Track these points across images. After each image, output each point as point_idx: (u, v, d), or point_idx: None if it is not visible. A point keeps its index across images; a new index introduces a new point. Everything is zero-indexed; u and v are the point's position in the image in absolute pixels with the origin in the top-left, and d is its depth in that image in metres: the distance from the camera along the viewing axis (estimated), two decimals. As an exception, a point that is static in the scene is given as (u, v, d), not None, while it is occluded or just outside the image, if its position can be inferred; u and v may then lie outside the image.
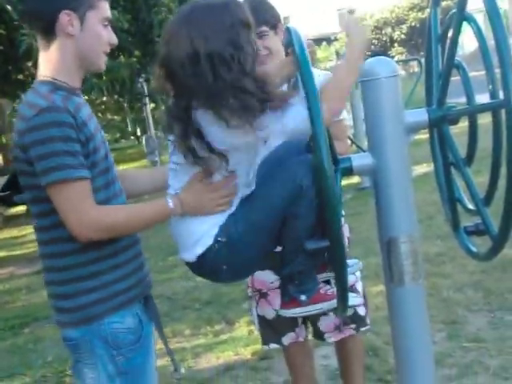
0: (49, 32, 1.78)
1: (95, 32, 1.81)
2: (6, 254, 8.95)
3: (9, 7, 5.45)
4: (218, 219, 1.76)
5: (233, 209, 1.77)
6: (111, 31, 1.87)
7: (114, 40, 1.88)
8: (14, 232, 10.81)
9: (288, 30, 1.62)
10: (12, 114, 15.24)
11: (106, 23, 1.85)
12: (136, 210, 1.85)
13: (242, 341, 4.06)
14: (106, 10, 1.85)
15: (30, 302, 6.04)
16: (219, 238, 1.74)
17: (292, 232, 1.75)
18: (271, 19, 2.39)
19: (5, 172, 14.20)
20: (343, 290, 1.66)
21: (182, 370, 3.54)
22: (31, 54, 5.29)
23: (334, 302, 1.84)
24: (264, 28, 2.35)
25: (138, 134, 20.14)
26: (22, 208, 11.37)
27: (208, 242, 1.74)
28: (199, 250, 1.76)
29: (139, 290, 1.90)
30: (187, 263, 1.82)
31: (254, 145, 1.72)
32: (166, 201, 1.77)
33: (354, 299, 2.55)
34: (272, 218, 1.74)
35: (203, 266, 1.79)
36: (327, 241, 1.65)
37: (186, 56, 1.61)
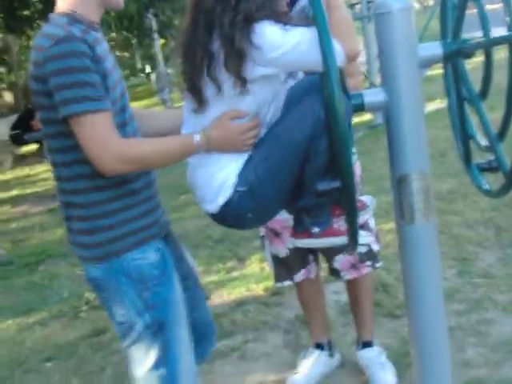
0: None
1: None
2: (18, 192, 9.03)
3: None
4: (235, 166, 1.74)
5: (249, 153, 1.76)
6: None
7: None
8: (25, 171, 10.88)
9: None
10: (20, 51, 15.13)
11: None
12: (162, 143, 1.81)
13: (253, 277, 4.12)
14: None
15: (43, 239, 6.12)
16: (240, 188, 1.72)
17: (310, 167, 1.72)
18: None
19: (15, 110, 14.21)
20: (354, 227, 1.66)
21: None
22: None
23: (345, 238, 1.84)
24: None
25: (148, 71, 19.91)
26: (32, 146, 11.41)
27: (228, 191, 1.73)
28: (220, 200, 1.75)
29: (157, 229, 1.91)
30: (210, 215, 1.82)
31: (276, 78, 1.70)
32: (192, 135, 1.75)
33: (366, 238, 2.57)
34: (293, 155, 1.70)
35: (227, 216, 1.79)
36: (338, 182, 1.65)
37: None
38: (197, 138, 1.74)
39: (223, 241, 4.89)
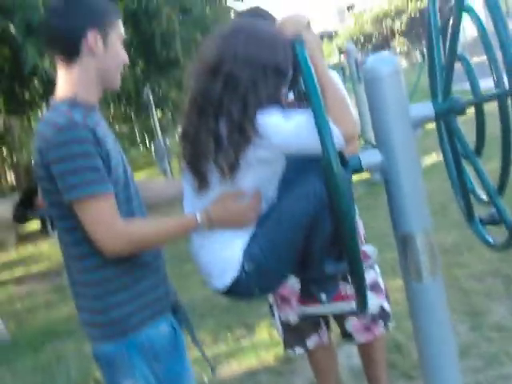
0: (73, 51, 1.79)
1: (116, 51, 1.84)
2: (22, 271, 8.98)
3: (12, 28, 5.49)
4: (240, 243, 1.76)
5: (253, 228, 1.77)
6: (124, 50, 1.90)
7: (127, 59, 1.90)
8: (29, 249, 10.86)
9: (293, 47, 1.61)
10: (22, 132, 15.37)
11: (122, 42, 1.87)
12: (163, 223, 1.84)
13: (263, 345, 4.06)
14: (122, 28, 1.88)
15: (49, 318, 6.06)
16: (246, 267, 1.74)
17: (315, 241, 1.76)
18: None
19: (18, 190, 14.31)
20: (362, 293, 1.66)
21: (205, 380, 3.53)
22: (36, 73, 5.32)
23: (353, 303, 1.84)
24: None
25: (147, 142, 20.19)
26: (36, 224, 11.41)
27: (235, 270, 1.75)
28: (227, 280, 1.76)
29: (167, 300, 1.92)
30: (217, 290, 1.83)
31: (277, 159, 1.74)
32: (195, 215, 1.77)
33: (376, 300, 2.55)
34: (297, 233, 1.74)
35: (235, 293, 1.81)
36: (345, 264, 1.67)
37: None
38: (199, 217, 1.76)
39: (230, 309, 4.84)
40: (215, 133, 1.67)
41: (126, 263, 1.80)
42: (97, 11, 1.81)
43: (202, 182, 1.75)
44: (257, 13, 2.41)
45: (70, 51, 1.80)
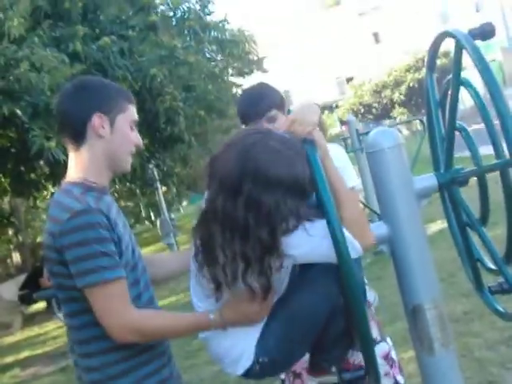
0: (80, 134, 1.82)
1: (124, 134, 1.86)
2: (28, 353, 8.84)
3: (19, 111, 5.63)
4: (252, 338, 1.75)
5: (265, 320, 1.77)
6: (137, 133, 1.92)
7: (140, 142, 1.92)
8: (34, 330, 10.72)
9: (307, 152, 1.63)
10: (27, 213, 15.49)
11: (134, 125, 1.90)
12: (176, 320, 1.83)
13: (275, 423, 3.95)
14: (133, 113, 1.90)
15: (56, 401, 5.93)
16: (260, 360, 1.74)
17: (328, 333, 1.80)
18: (278, 101, 2.46)
19: (23, 270, 14.28)
20: (375, 370, 1.67)
21: None
22: (42, 154, 5.41)
23: (362, 371, 1.86)
24: (274, 112, 2.41)
25: (152, 218, 20.29)
26: (41, 305, 11.33)
27: (248, 361, 1.75)
28: (240, 369, 1.77)
29: (172, 382, 1.89)
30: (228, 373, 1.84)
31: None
32: (208, 315, 1.75)
33: (385, 367, 2.52)
34: (311, 332, 1.76)
35: (247, 377, 1.81)
36: (362, 371, 1.79)
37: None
38: (212, 319, 1.74)
39: (241, 386, 4.74)
40: (244, 254, 1.60)
41: (130, 349, 1.78)
42: (104, 96, 1.85)
43: (217, 289, 1.69)
44: (262, 88, 2.49)
45: (77, 135, 1.83)
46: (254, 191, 1.56)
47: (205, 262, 1.68)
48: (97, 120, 1.81)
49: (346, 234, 1.56)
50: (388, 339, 2.63)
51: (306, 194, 1.62)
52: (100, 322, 1.71)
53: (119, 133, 1.85)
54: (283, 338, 1.73)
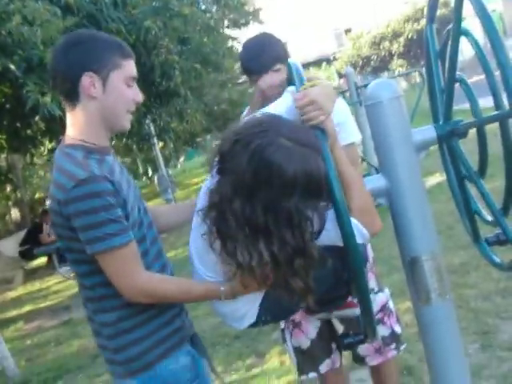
0: (73, 94, 1.78)
1: (119, 92, 1.78)
2: (31, 307, 8.96)
3: (12, 66, 5.54)
4: (257, 298, 1.79)
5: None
6: (137, 89, 1.84)
7: (140, 98, 1.85)
8: (36, 285, 10.85)
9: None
10: (25, 169, 15.46)
11: (131, 82, 1.82)
12: (187, 285, 1.83)
13: (274, 373, 4.03)
14: (131, 68, 1.82)
15: (60, 353, 6.03)
16: (263, 318, 1.80)
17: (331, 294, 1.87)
18: (282, 54, 2.43)
19: (23, 226, 14.34)
20: (372, 326, 1.70)
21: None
22: (38, 110, 5.35)
23: (361, 336, 1.92)
24: (278, 66, 2.38)
25: (150, 173, 20.29)
26: (42, 260, 11.42)
27: (253, 318, 1.82)
28: (245, 325, 1.84)
29: (185, 331, 1.93)
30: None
31: None
32: (219, 286, 1.76)
33: (383, 329, 2.58)
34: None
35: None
36: (362, 335, 1.86)
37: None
38: (222, 289, 1.75)
39: (240, 337, 4.82)
40: (273, 255, 1.54)
41: (142, 304, 1.80)
42: (95, 53, 1.77)
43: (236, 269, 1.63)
44: (265, 39, 2.46)
45: (70, 94, 1.79)
46: (271, 197, 1.50)
47: (224, 251, 1.62)
48: (87, 80, 1.75)
49: (354, 221, 1.58)
50: (386, 289, 2.67)
51: (323, 190, 1.55)
52: (113, 284, 1.74)
53: (113, 91, 1.78)
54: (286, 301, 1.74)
